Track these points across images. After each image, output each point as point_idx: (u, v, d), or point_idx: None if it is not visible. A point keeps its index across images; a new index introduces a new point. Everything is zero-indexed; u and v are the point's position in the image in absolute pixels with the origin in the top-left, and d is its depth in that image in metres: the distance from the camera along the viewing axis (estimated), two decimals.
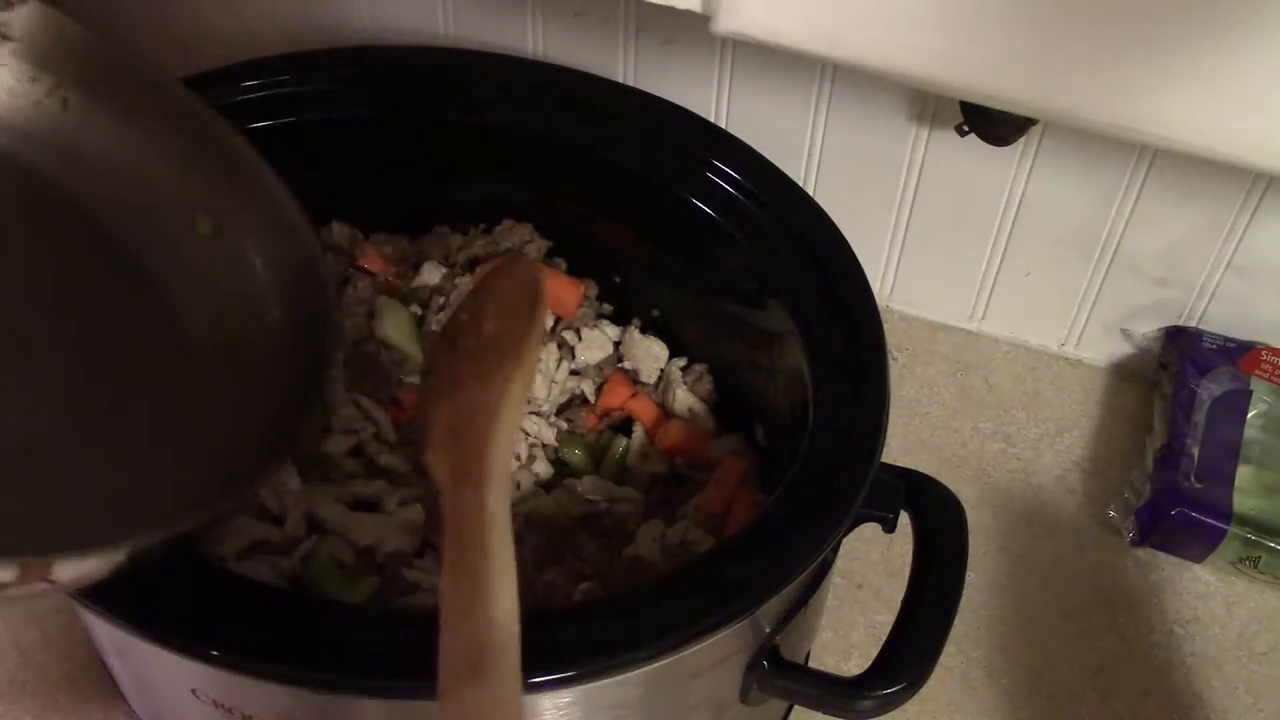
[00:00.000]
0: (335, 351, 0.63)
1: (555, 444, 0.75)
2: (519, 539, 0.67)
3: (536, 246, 0.79)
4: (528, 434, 0.74)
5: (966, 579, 0.59)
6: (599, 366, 0.78)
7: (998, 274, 0.88)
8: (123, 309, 0.60)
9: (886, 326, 0.63)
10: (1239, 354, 0.82)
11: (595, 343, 0.77)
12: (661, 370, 0.77)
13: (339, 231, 0.79)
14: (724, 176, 0.70)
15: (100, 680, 0.70)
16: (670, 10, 0.47)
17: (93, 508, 0.51)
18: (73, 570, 0.42)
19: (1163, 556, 0.80)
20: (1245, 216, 0.78)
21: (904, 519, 0.60)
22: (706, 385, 0.76)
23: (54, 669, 0.71)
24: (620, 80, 0.86)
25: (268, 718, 0.55)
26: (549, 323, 0.78)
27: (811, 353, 0.62)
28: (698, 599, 0.52)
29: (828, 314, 0.64)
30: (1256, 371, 0.81)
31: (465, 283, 0.78)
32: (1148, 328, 0.87)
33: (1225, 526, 0.75)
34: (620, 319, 0.79)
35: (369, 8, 0.90)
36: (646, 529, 0.67)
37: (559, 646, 0.50)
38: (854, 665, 0.74)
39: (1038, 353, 0.91)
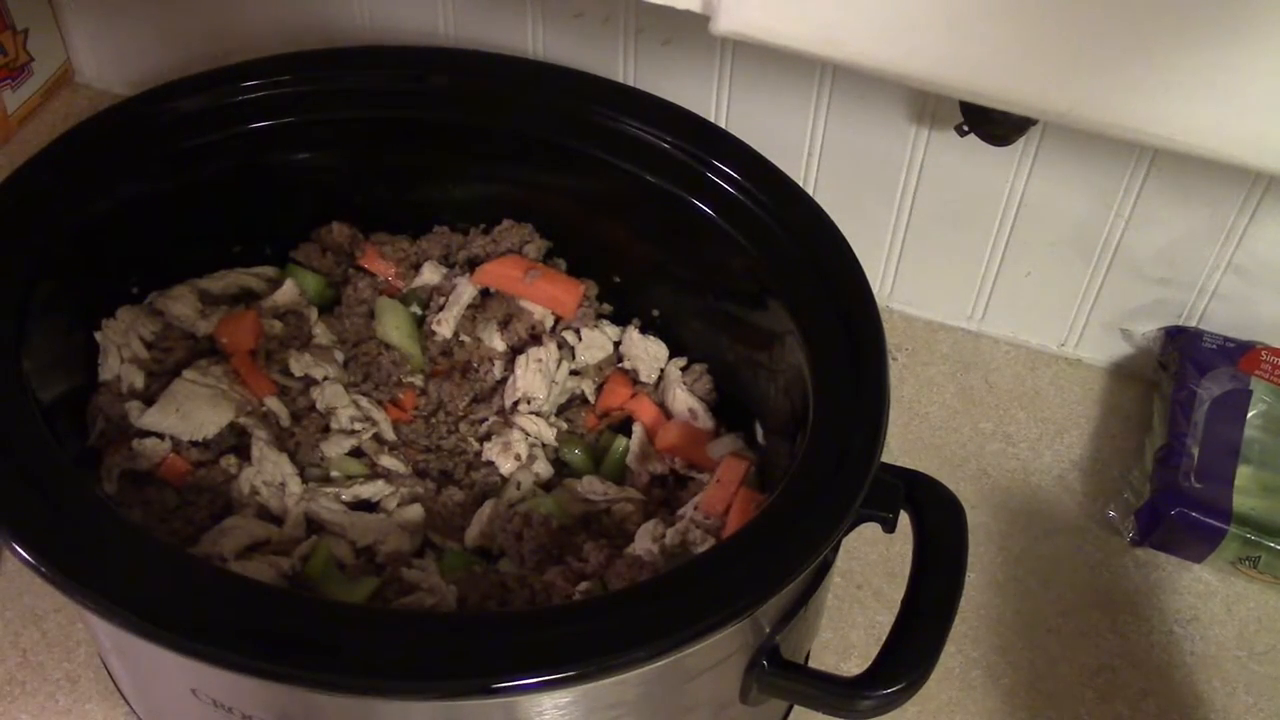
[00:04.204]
0: None
1: (555, 444, 0.75)
2: (519, 539, 0.68)
3: (536, 246, 0.79)
4: (528, 434, 0.74)
5: (966, 579, 0.59)
6: (599, 366, 0.78)
7: (998, 274, 0.88)
8: None
9: (886, 326, 0.63)
10: (1239, 354, 0.82)
11: (595, 343, 0.77)
12: (661, 370, 0.77)
13: (339, 231, 0.79)
14: (724, 176, 0.70)
15: (100, 680, 0.70)
16: (670, 10, 0.47)
17: None
18: None
19: (1163, 556, 0.80)
20: (1245, 216, 0.78)
21: (904, 519, 0.60)
22: (706, 385, 0.76)
23: (54, 669, 0.71)
24: (620, 80, 0.86)
25: (268, 718, 0.55)
26: (549, 323, 0.78)
27: (811, 353, 0.62)
28: (698, 599, 0.52)
29: (828, 314, 0.64)
30: (1256, 371, 0.81)
31: (465, 283, 0.78)
32: (1148, 328, 0.87)
33: (1225, 526, 0.75)
34: (620, 319, 0.79)
35: (369, 8, 0.90)
36: (646, 529, 0.67)
37: (559, 646, 0.50)
38: (854, 665, 0.74)
39: (1038, 353, 0.91)
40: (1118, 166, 0.79)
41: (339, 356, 0.76)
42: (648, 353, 0.77)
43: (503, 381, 0.77)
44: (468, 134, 0.76)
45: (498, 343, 0.77)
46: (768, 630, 0.57)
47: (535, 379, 0.75)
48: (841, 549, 0.61)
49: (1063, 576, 0.78)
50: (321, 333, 0.77)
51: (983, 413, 0.87)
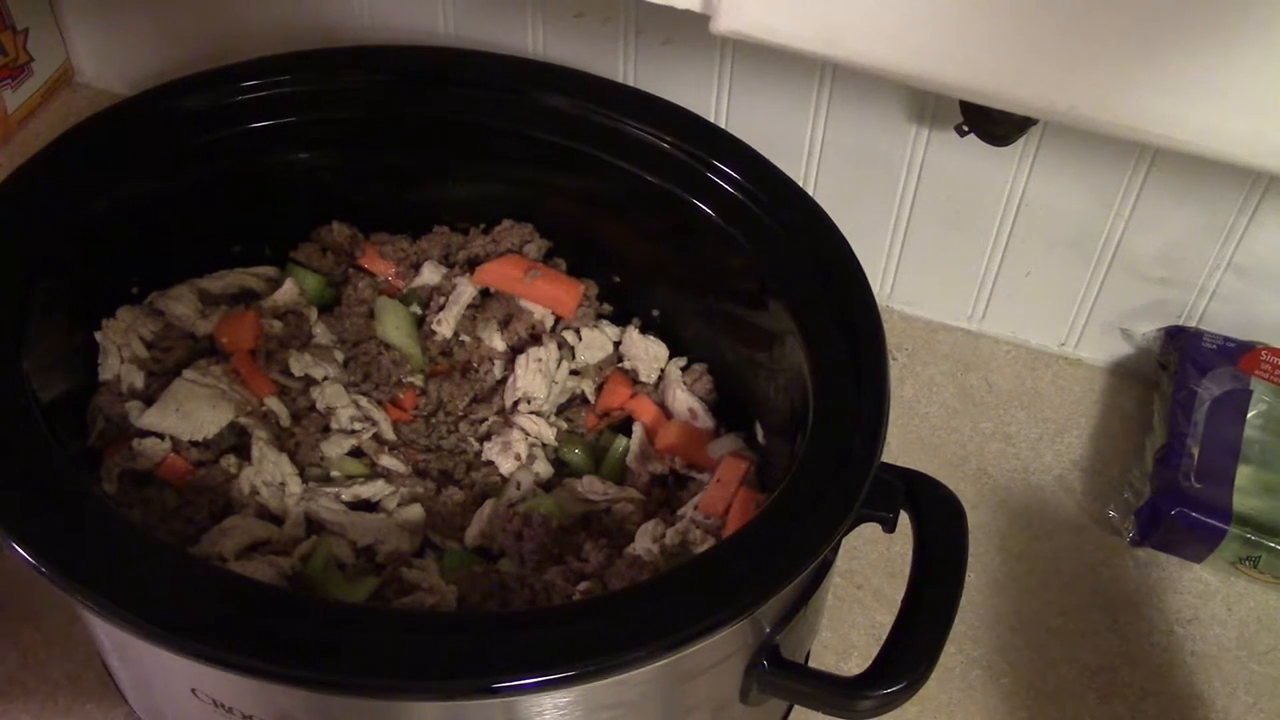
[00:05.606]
0: None
1: (555, 444, 0.75)
2: (519, 539, 0.68)
3: (536, 246, 0.79)
4: (528, 434, 0.74)
5: (966, 578, 0.59)
6: (599, 366, 0.78)
7: (998, 274, 0.88)
8: None
9: (886, 326, 0.63)
10: (1239, 354, 0.82)
11: (595, 343, 0.77)
12: (661, 370, 0.77)
13: (339, 231, 0.79)
14: (724, 176, 0.70)
15: (100, 680, 0.70)
16: (670, 10, 0.47)
17: None
18: None
19: (1163, 556, 0.80)
20: (1245, 216, 0.78)
21: (904, 519, 0.60)
22: (706, 385, 0.76)
23: (54, 669, 0.71)
24: (620, 80, 0.86)
25: (267, 718, 0.55)
26: (549, 323, 0.78)
27: (811, 353, 0.62)
28: (698, 599, 0.52)
29: (828, 314, 0.64)
30: (1256, 371, 0.81)
31: (465, 283, 0.78)
32: (1148, 328, 0.87)
33: (1225, 526, 0.75)
34: (620, 319, 0.79)
35: (369, 7, 0.90)
36: (646, 529, 0.67)
37: (559, 646, 0.50)
38: (854, 665, 0.74)
39: (1038, 353, 0.91)
40: (1118, 166, 0.79)
41: (339, 356, 0.76)
42: (648, 353, 0.77)
43: (503, 381, 0.77)
44: (468, 134, 0.76)
45: (498, 343, 0.77)
46: (768, 630, 0.57)
47: (535, 379, 0.75)
48: (841, 549, 0.61)
49: (1063, 576, 0.78)
50: (321, 333, 0.77)
51: (983, 413, 0.87)
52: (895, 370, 0.88)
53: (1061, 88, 0.43)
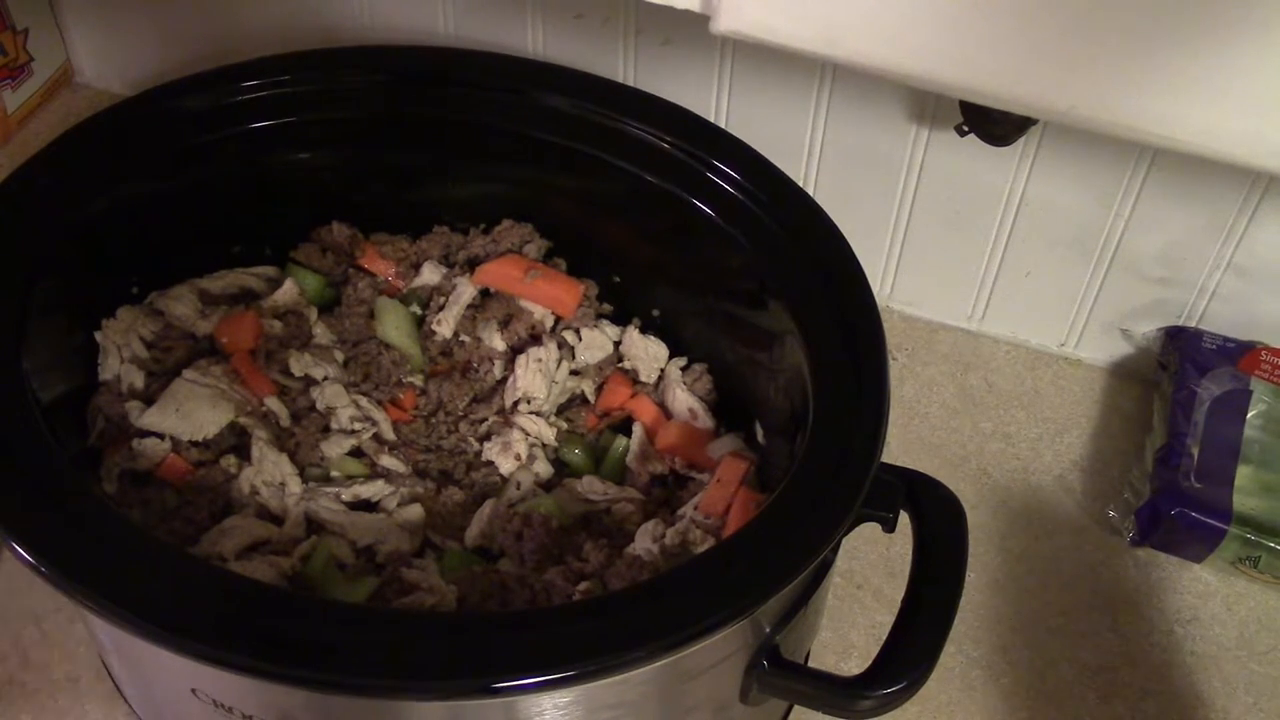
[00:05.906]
0: None
1: (555, 444, 0.75)
2: (519, 539, 0.68)
3: (536, 246, 0.79)
4: (528, 434, 0.74)
5: (966, 578, 0.59)
6: (599, 366, 0.78)
7: (998, 274, 0.88)
8: None
9: (886, 326, 0.63)
10: (1239, 354, 0.82)
11: (595, 343, 0.77)
12: (661, 370, 0.77)
13: (339, 231, 0.79)
14: (724, 176, 0.70)
15: (100, 680, 0.70)
16: (670, 10, 0.47)
17: None
18: None
19: (1163, 556, 0.80)
20: (1245, 216, 0.78)
21: (904, 519, 0.60)
22: (706, 385, 0.76)
23: (54, 669, 0.71)
24: (620, 80, 0.86)
25: (268, 718, 0.55)
26: (549, 323, 0.78)
27: (811, 353, 0.62)
28: (698, 599, 0.52)
29: (828, 314, 0.64)
30: (1256, 371, 0.81)
31: (465, 283, 0.78)
32: (1148, 328, 0.87)
33: (1225, 526, 0.75)
34: (620, 319, 0.79)
35: (369, 7, 0.90)
36: (646, 529, 0.67)
37: (559, 646, 0.50)
38: (854, 665, 0.74)
39: (1038, 353, 0.91)
40: (1118, 166, 0.79)
41: (339, 356, 0.76)
42: (648, 353, 0.77)
43: (503, 381, 0.77)
44: (468, 134, 0.76)
45: (498, 343, 0.77)
46: (768, 630, 0.57)
47: (535, 379, 0.75)
48: (841, 549, 0.61)
49: (1063, 576, 0.78)
50: (321, 333, 0.77)
51: (983, 413, 0.87)
52: (895, 370, 0.88)
53: (1061, 88, 0.43)
